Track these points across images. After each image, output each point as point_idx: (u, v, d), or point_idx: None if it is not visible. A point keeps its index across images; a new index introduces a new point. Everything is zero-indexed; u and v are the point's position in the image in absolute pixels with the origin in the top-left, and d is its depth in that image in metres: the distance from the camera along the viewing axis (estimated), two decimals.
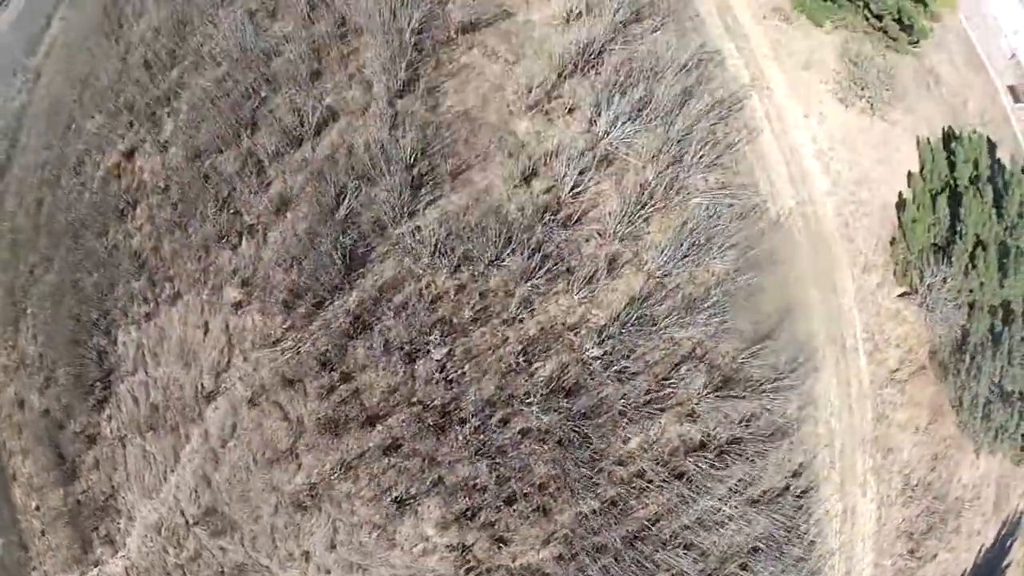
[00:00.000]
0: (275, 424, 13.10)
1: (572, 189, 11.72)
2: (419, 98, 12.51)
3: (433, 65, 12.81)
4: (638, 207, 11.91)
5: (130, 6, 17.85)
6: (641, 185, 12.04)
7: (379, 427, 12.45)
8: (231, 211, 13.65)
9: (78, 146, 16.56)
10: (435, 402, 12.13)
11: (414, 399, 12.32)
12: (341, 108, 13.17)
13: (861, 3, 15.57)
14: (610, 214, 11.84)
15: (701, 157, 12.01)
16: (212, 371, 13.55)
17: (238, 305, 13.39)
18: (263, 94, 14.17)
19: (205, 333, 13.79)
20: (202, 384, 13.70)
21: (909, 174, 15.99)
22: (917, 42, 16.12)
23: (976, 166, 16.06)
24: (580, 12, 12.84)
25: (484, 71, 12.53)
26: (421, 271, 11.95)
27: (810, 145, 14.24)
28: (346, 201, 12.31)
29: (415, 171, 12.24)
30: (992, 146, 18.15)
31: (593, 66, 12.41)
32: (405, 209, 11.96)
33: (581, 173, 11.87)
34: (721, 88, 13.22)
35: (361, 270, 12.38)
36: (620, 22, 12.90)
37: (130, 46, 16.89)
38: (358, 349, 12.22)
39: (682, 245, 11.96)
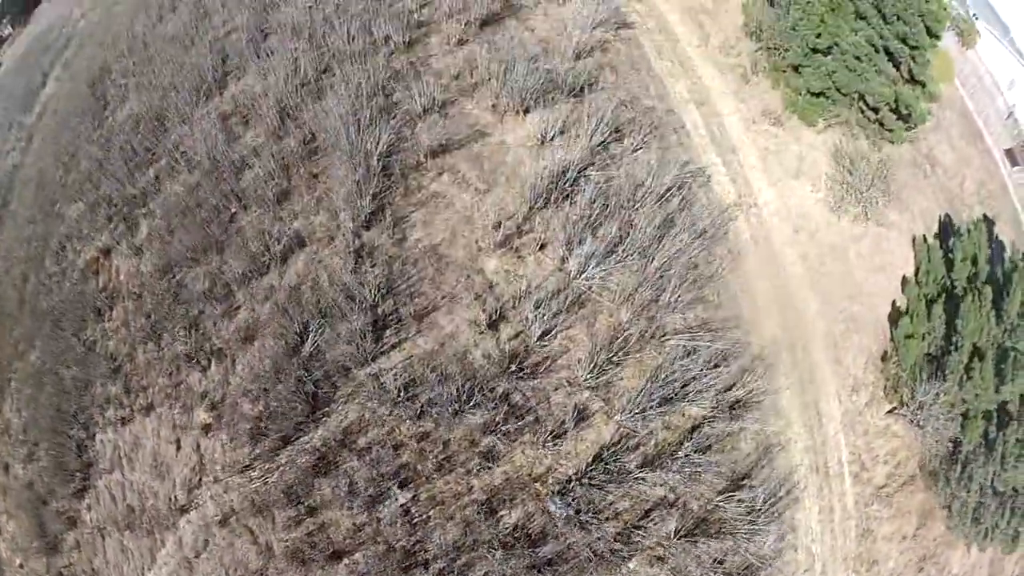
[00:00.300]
0: (246, 546, 12.62)
1: (541, 336, 10.87)
2: (386, 230, 11.66)
3: (401, 193, 11.90)
4: (611, 353, 11.03)
5: (115, 88, 17.19)
6: (615, 328, 11.12)
7: (345, 561, 11.98)
8: (200, 332, 13.08)
9: (60, 230, 16.08)
10: (400, 543, 11.57)
11: (379, 538, 11.82)
12: (308, 235, 12.40)
13: (856, 96, 14.21)
14: (580, 361, 10.98)
15: (680, 296, 11.03)
16: (184, 486, 13.11)
17: (207, 427, 12.90)
18: (232, 210, 13.48)
19: (177, 448, 13.32)
20: (175, 496, 13.30)
21: (904, 279, 14.77)
22: (915, 127, 14.84)
23: (975, 262, 14.78)
24: (556, 132, 11.77)
25: (454, 201, 11.58)
26: (385, 416, 11.31)
27: (800, 264, 13.16)
28: (310, 338, 11.69)
29: (380, 311, 11.48)
30: (990, 224, 16.85)
31: (568, 196, 11.39)
32: (369, 352, 11.27)
33: (552, 317, 11.00)
34: (705, 211, 12.17)
35: (326, 409, 11.78)
36: (598, 143, 11.82)
37: (111, 134, 16.22)
38: (324, 487, 11.71)
39: (656, 393, 11.08)
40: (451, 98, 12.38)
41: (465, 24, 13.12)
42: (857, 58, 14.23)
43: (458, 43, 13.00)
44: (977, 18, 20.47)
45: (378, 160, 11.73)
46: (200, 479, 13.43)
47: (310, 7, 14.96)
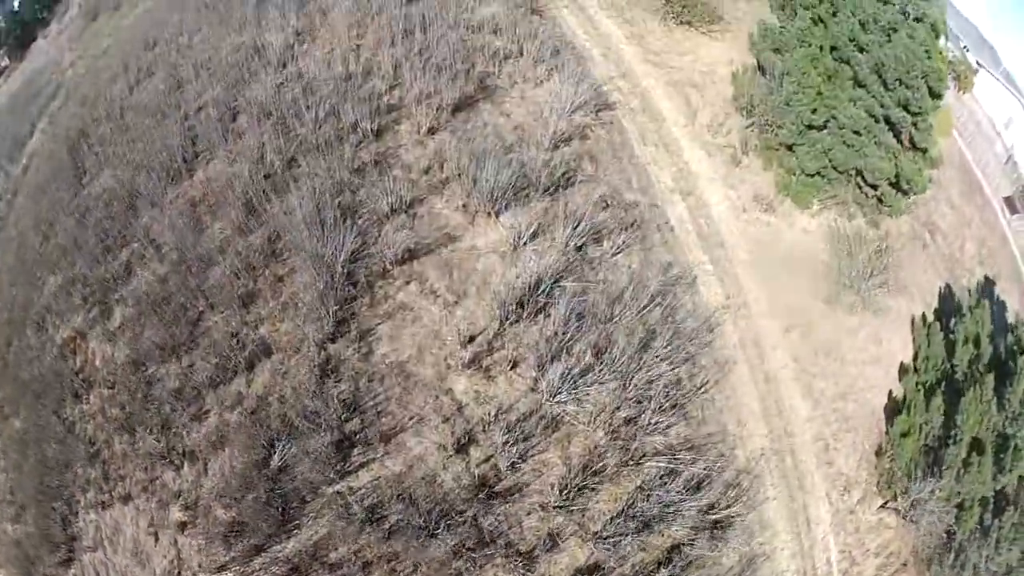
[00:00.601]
0: None
1: (512, 461, 10.03)
2: (352, 343, 10.81)
3: (368, 303, 10.99)
4: (586, 477, 10.18)
5: (91, 157, 16.34)
6: (590, 452, 10.25)
7: None
8: (172, 432, 12.49)
9: (40, 300, 15.48)
10: None
11: None
12: (274, 342, 11.60)
13: (853, 172, 12.80)
14: (554, 486, 10.16)
15: (660, 419, 10.06)
16: None
17: (183, 525, 12.42)
18: (200, 308, 12.70)
19: (156, 540, 12.95)
20: None
21: (902, 367, 13.58)
22: (914, 194, 13.45)
23: (977, 343, 13.52)
24: (530, 236, 10.68)
25: (421, 314, 10.65)
26: (354, 534, 10.67)
27: (791, 366, 12.09)
28: (278, 452, 11.00)
29: (347, 429, 10.73)
30: (991, 285, 15.62)
31: (541, 309, 10.38)
32: (337, 470, 10.56)
33: (524, 440, 10.14)
34: (691, 318, 11.08)
35: (297, 521, 11.21)
36: (575, 248, 10.71)
37: (87, 208, 15.43)
38: None
39: (634, 517, 10.25)
40: (420, 196, 11.35)
41: (437, 109, 11.98)
42: (856, 132, 12.88)
43: (429, 131, 11.88)
44: (968, 49, 18.65)
45: (343, 267, 10.86)
46: (179, 572, 13.15)
47: (280, 84, 13.90)
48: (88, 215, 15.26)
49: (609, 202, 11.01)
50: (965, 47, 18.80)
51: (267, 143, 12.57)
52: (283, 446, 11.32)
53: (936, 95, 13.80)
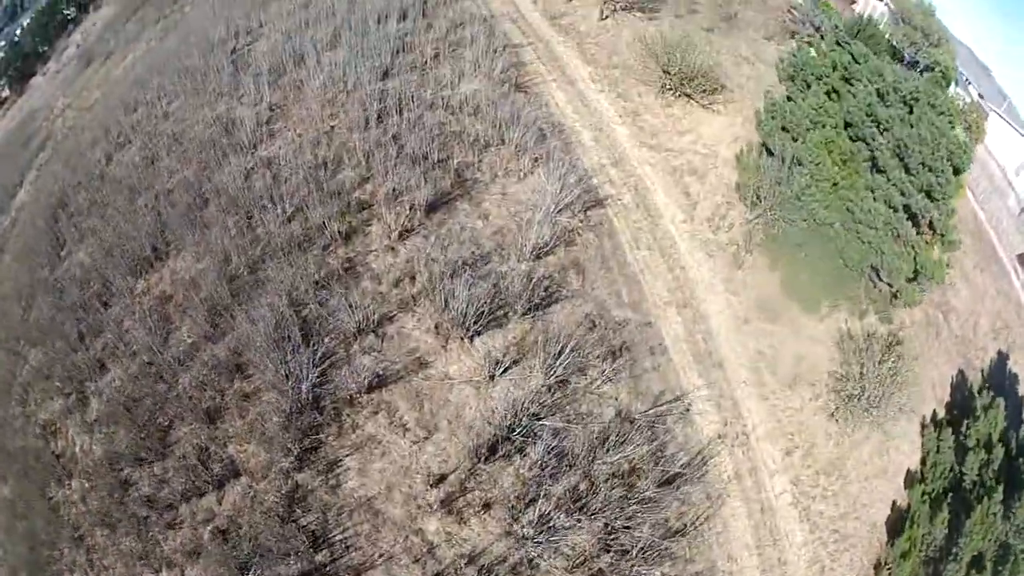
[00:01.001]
0: None
1: None
2: (320, 473, 9.68)
3: (335, 432, 9.85)
4: None
5: (71, 229, 15.19)
6: None
7: None
8: (149, 536, 11.69)
9: (23, 373, 14.53)
10: None
11: None
12: (242, 463, 10.53)
13: (868, 269, 11.13)
14: None
15: (642, 569, 8.90)
16: None
17: None
18: (170, 416, 11.69)
19: None
20: None
21: (908, 474, 12.14)
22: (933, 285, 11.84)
23: (988, 448, 12.01)
24: (508, 364, 9.38)
25: (390, 448, 9.50)
26: None
27: (790, 491, 10.67)
28: (252, 573, 10.15)
29: (317, 560, 9.74)
30: (1004, 359, 14.14)
31: (518, 447, 9.17)
32: None
33: None
34: (682, 451, 9.71)
35: None
36: (558, 380, 9.38)
37: (64, 287, 14.33)
38: None
39: None
40: (389, 313, 10.06)
41: (410, 209, 10.55)
42: (872, 227, 11.19)
43: (400, 236, 10.47)
44: (968, 82, 16.55)
45: (308, 392, 9.76)
46: None
47: (250, 170, 12.51)
48: (64, 295, 14.23)
49: (596, 322, 9.53)
50: (973, 88, 16.72)
51: (233, 241, 11.36)
52: (256, 570, 10.66)
53: (960, 171, 12.08)
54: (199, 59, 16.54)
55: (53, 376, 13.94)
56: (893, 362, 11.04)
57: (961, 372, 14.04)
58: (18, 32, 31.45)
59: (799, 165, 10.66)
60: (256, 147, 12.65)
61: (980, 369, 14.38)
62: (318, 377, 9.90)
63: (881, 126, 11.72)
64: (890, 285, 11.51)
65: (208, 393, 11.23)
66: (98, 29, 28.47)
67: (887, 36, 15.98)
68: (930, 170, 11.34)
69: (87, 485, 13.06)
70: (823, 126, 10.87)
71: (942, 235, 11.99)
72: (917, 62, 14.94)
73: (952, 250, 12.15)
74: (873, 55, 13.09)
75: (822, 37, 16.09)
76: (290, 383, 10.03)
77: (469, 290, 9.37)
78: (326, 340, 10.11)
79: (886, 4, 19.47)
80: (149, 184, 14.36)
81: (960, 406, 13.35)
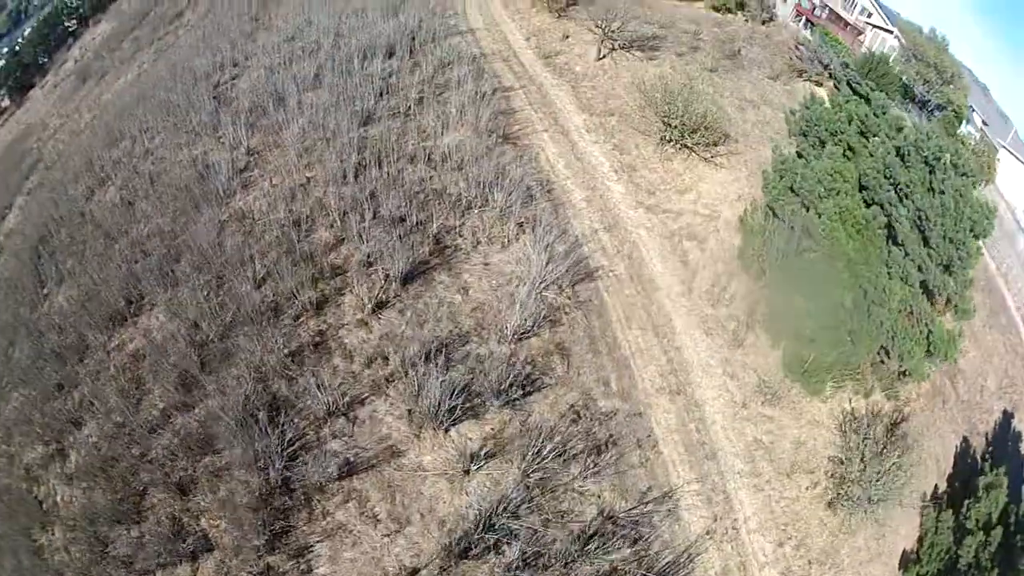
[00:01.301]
0: None
1: None
2: (291, 558, 8.73)
3: (305, 518, 8.89)
4: None
5: (52, 268, 14.24)
6: None
7: None
8: None
9: (6, 413, 13.97)
10: None
11: None
12: (215, 539, 9.62)
13: (879, 348, 9.92)
14: None
15: None
16: None
17: None
18: (145, 481, 10.90)
19: None
20: None
21: (904, 555, 11.12)
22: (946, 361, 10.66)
23: (988, 529, 10.96)
24: (484, 457, 8.44)
25: (361, 538, 8.57)
26: None
27: None
28: None
29: None
30: (1008, 418, 13.01)
31: (494, 547, 8.30)
32: None
33: None
34: (667, 550, 8.66)
35: None
36: (537, 477, 8.42)
37: (43, 330, 13.38)
38: None
39: None
40: (361, 395, 9.01)
41: (385, 279, 9.45)
42: (885, 307, 9.99)
43: (374, 309, 9.31)
44: (983, 123, 15.12)
45: (278, 473, 8.92)
46: None
47: (223, 223, 11.42)
48: (44, 340, 13.44)
49: (581, 413, 8.34)
50: (978, 115, 15.27)
51: (203, 305, 10.34)
52: None
53: (982, 235, 10.79)
54: (182, 94, 15.34)
55: (34, 421, 13.34)
56: (898, 456, 9.80)
57: (965, 439, 12.98)
58: (20, 41, 30.41)
59: (810, 236, 9.24)
60: (231, 197, 11.68)
61: (985, 433, 13.32)
62: (288, 461, 9.14)
63: (900, 189, 10.42)
64: (900, 363, 10.44)
65: (180, 463, 10.48)
66: (96, 45, 27.36)
67: (899, 74, 14.54)
68: (951, 242, 10.01)
69: (69, 536, 12.46)
70: (838, 193, 9.43)
71: (956, 306, 10.86)
72: (929, 101, 13.58)
73: (966, 319, 11.00)
74: (890, 101, 11.75)
75: (831, 76, 14.69)
76: (259, 463, 9.29)
77: (443, 379, 8.47)
78: (296, 420, 9.32)
79: (896, 37, 17.90)
80: (126, 229, 13.40)
81: (962, 477, 12.39)
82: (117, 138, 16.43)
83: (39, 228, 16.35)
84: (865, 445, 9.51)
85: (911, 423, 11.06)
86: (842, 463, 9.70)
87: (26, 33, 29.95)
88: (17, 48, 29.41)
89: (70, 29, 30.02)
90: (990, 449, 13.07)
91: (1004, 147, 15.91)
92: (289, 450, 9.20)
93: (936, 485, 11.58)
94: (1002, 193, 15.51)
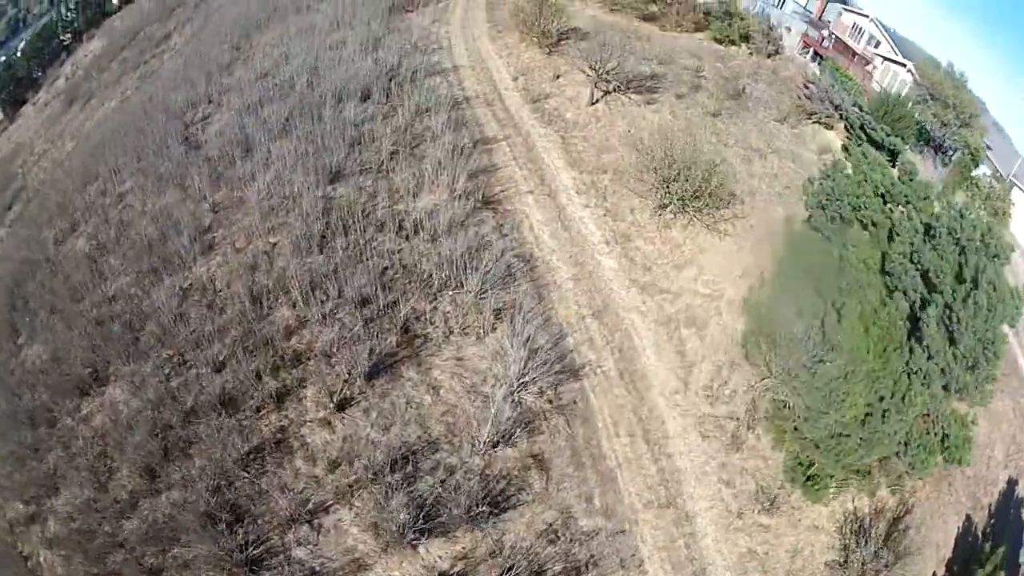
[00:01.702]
0: None
1: None
2: None
3: None
4: None
5: (26, 318, 13.04)
6: None
7: None
8: None
9: None
10: None
11: None
12: None
13: (895, 444, 8.44)
14: None
15: None
16: None
17: None
18: (119, 560, 9.69)
19: None
20: None
21: None
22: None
23: None
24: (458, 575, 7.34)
25: None
26: None
27: None
28: None
29: None
30: (1012, 487, 11.69)
31: None
32: None
33: None
34: None
35: None
36: None
37: (17, 387, 12.43)
38: None
39: None
40: (325, 501, 7.82)
41: (349, 373, 8.15)
42: (903, 417, 8.39)
43: (338, 407, 8.06)
44: (987, 151, 13.39)
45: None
46: None
47: (186, 290, 10.08)
48: (19, 396, 12.48)
49: (559, 533, 7.03)
50: (987, 144, 13.44)
51: (164, 385, 9.18)
52: None
53: (1011, 324, 9.04)
54: (153, 136, 13.64)
55: (14, 478, 12.47)
56: (897, 539, 8.75)
57: (968, 517, 11.78)
58: (17, 53, 28.59)
59: (827, 347, 7.22)
60: (195, 262, 10.34)
61: (988, 506, 12.05)
62: (252, 566, 8.20)
63: (931, 281, 8.19)
64: (911, 468, 8.99)
65: (151, 549, 9.65)
66: (87, 63, 25.54)
67: (915, 116, 12.63)
68: (979, 339, 8.14)
69: None
70: (859, 287, 7.41)
71: (974, 398, 9.35)
72: (944, 143, 11.90)
73: (983, 406, 9.61)
74: (905, 145, 10.06)
75: (842, 117, 12.78)
76: (224, 565, 8.36)
77: (411, 490, 7.36)
78: (260, 523, 8.28)
79: (909, 71, 15.70)
80: (93, 285, 12.23)
81: (963, 560, 11.25)
82: (90, 179, 14.99)
83: (14, 271, 15.19)
84: (865, 552, 8.39)
85: (915, 514, 9.89)
86: (840, 566, 8.65)
87: (21, 46, 28.21)
88: (11, 62, 27.76)
89: (64, 43, 28.15)
90: (992, 522, 11.84)
91: (1018, 186, 14.14)
92: (254, 553, 8.34)
93: (934, 573, 10.52)
94: (1014, 237, 13.83)
